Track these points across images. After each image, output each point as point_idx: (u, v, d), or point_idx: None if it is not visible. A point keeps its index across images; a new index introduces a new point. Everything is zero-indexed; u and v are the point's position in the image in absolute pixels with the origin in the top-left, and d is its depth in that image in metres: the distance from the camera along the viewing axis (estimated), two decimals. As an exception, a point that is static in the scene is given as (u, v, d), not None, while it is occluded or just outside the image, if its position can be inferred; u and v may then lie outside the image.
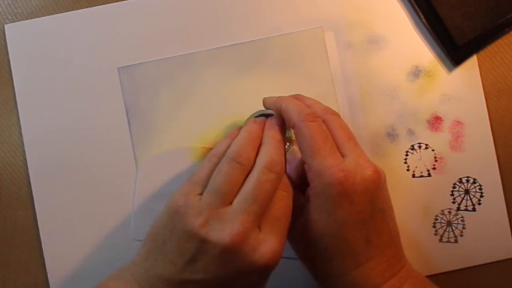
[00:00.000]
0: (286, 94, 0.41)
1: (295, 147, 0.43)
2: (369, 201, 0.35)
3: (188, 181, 0.36)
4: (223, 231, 0.32)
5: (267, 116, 0.40)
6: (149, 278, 0.34)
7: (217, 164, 0.36)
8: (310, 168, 0.36)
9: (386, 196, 0.37)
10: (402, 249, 0.38)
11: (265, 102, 0.41)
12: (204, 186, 0.35)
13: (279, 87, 0.45)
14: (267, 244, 0.33)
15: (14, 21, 0.45)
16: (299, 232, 0.37)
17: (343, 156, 0.36)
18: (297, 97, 0.40)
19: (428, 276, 0.42)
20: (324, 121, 0.37)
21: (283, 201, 0.35)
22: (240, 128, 0.39)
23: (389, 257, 0.36)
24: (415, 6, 0.45)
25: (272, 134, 0.37)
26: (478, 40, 0.44)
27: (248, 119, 0.42)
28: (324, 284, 0.38)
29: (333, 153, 0.35)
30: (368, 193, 0.35)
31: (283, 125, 0.38)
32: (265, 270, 0.33)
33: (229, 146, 0.36)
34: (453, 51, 0.45)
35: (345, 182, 0.34)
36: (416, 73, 0.46)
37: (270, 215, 0.34)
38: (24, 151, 0.44)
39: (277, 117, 0.39)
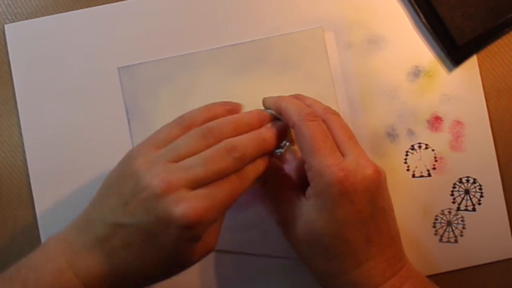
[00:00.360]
0: (286, 94, 0.41)
1: (295, 147, 0.43)
2: (369, 200, 0.35)
3: (152, 137, 0.36)
4: (157, 176, 0.32)
5: None
6: (87, 222, 0.35)
7: (185, 129, 0.36)
8: (310, 168, 0.36)
9: (387, 195, 0.38)
10: (403, 249, 0.38)
11: (265, 102, 0.41)
12: (163, 145, 0.35)
13: (279, 87, 0.45)
14: (192, 203, 0.32)
15: (14, 21, 0.45)
16: (299, 232, 0.37)
17: (343, 155, 0.36)
18: (297, 96, 0.40)
19: (428, 276, 0.42)
20: (324, 121, 0.37)
21: (231, 184, 0.34)
22: (222, 102, 0.39)
23: (390, 256, 0.36)
24: (415, 6, 0.45)
25: (262, 131, 0.37)
26: (478, 40, 0.44)
27: None
28: (325, 283, 0.38)
29: (333, 152, 0.36)
30: (369, 192, 0.35)
31: (282, 132, 0.38)
32: (184, 226, 0.32)
33: (205, 117, 0.37)
34: (453, 51, 0.45)
35: (345, 181, 0.34)
36: (416, 73, 0.46)
37: (210, 186, 0.33)
38: (24, 151, 0.44)
39: (281, 123, 0.38)
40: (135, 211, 0.32)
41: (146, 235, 0.33)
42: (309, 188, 0.36)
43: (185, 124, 0.36)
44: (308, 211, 0.36)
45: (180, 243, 0.33)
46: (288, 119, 0.37)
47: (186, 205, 0.31)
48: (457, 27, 0.44)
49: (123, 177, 0.34)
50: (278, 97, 0.39)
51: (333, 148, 0.36)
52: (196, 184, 0.33)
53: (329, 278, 0.37)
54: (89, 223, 0.35)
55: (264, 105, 0.41)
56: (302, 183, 0.39)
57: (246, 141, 0.35)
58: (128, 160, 0.35)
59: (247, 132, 0.36)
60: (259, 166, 0.36)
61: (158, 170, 0.32)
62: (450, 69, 0.46)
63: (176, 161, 0.33)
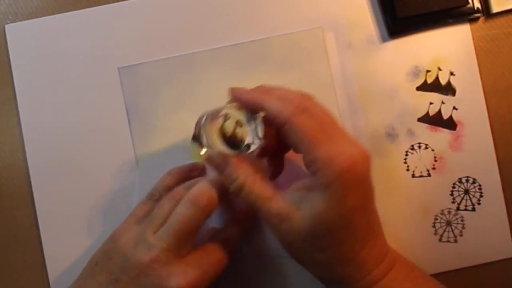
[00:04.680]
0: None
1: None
2: (369, 184, 0.35)
3: (130, 216, 0.40)
4: (144, 253, 0.35)
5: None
6: None
7: (157, 200, 0.39)
8: (315, 160, 0.34)
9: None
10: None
11: (236, 95, 0.38)
12: (140, 221, 0.39)
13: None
14: (186, 274, 0.35)
15: (14, 21, 0.45)
16: (302, 227, 0.35)
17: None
18: (260, 89, 0.38)
19: (428, 276, 0.42)
20: (306, 109, 0.36)
21: (221, 251, 0.38)
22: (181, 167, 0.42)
23: (382, 234, 0.37)
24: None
25: (213, 174, 0.38)
26: (418, 19, 0.45)
27: (201, 117, 0.39)
28: (324, 275, 0.37)
29: (336, 141, 0.35)
30: (368, 175, 0.35)
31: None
32: None
33: (170, 184, 0.41)
34: (392, 22, 0.45)
35: (355, 169, 0.34)
36: (416, 73, 0.46)
37: (201, 252, 0.37)
38: (24, 151, 0.44)
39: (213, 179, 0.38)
40: (127, 287, 0.35)
41: None
42: (311, 180, 0.35)
43: (155, 198, 0.40)
44: (314, 204, 0.35)
45: None
46: (274, 118, 0.35)
47: (180, 279, 0.34)
48: (402, 1, 0.45)
49: (109, 255, 0.36)
50: (254, 94, 0.37)
51: (332, 137, 0.35)
52: (181, 250, 0.36)
53: (336, 264, 0.36)
54: None
55: (234, 96, 0.38)
56: (288, 181, 0.38)
57: (205, 186, 0.37)
58: (112, 240, 0.37)
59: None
60: (237, 233, 0.41)
61: (143, 247, 0.35)
62: (384, 40, 0.46)
63: (155, 231, 0.36)
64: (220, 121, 0.37)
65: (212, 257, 0.37)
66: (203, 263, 0.36)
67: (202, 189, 0.37)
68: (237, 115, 0.37)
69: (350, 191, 0.34)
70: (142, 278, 0.34)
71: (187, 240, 0.36)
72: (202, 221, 0.36)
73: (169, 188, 0.40)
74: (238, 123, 0.38)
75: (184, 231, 0.36)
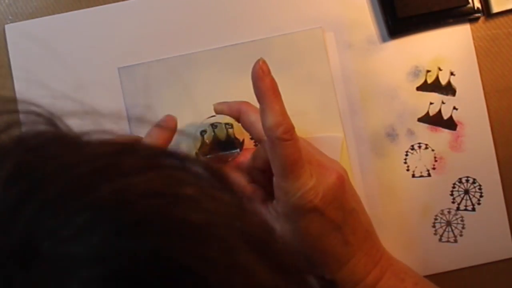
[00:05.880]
0: (286, 94, 0.41)
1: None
2: (339, 207, 0.35)
3: None
4: None
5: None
6: None
7: None
8: (280, 187, 0.35)
9: (353, 193, 0.37)
10: (378, 238, 0.39)
11: (219, 109, 0.39)
12: None
13: (279, 87, 0.45)
14: None
15: (14, 21, 0.45)
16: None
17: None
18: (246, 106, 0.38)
19: (427, 276, 0.42)
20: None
21: None
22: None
23: (368, 249, 0.37)
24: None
25: None
26: (419, 19, 0.45)
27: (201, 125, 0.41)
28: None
29: (303, 173, 0.34)
30: (337, 200, 0.35)
31: None
32: None
33: None
34: (392, 22, 0.45)
35: (314, 200, 0.34)
36: (416, 73, 0.46)
37: None
38: (24, 151, 0.44)
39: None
40: None
41: None
42: (277, 204, 0.36)
43: None
44: (281, 225, 0.36)
45: None
46: (259, 133, 0.36)
47: None
48: (402, 1, 0.44)
49: None
50: (266, 82, 0.36)
51: (304, 167, 0.35)
52: None
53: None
54: None
55: (217, 111, 0.39)
56: (268, 189, 0.38)
57: None
58: None
59: None
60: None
61: None
62: (384, 40, 0.46)
63: None
64: (208, 133, 0.41)
65: None
66: None
67: None
68: (224, 119, 0.40)
69: (312, 220, 0.35)
70: None
71: None
72: None
73: None
74: (227, 126, 0.41)
75: None
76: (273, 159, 0.35)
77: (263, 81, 0.35)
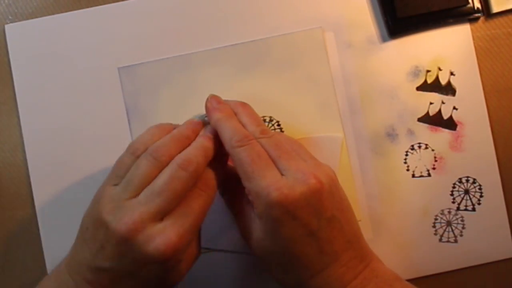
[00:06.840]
0: (286, 94, 0.41)
1: None
2: (313, 214, 0.35)
3: (110, 174, 0.37)
4: (121, 220, 0.33)
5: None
6: (75, 264, 0.36)
7: (137, 157, 0.36)
8: (249, 192, 0.35)
9: (336, 201, 0.36)
10: (365, 247, 0.38)
11: (206, 109, 0.39)
12: (122, 177, 0.36)
13: (279, 87, 0.45)
14: (164, 235, 0.33)
15: (14, 21, 0.45)
16: (254, 246, 0.37)
17: (282, 173, 0.35)
18: (235, 109, 0.39)
19: (427, 276, 0.42)
20: (259, 142, 0.37)
21: (197, 199, 0.35)
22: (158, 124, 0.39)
23: (347, 260, 0.36)
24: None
25: (201, 140, 0.37)
26: (419, 19, 0.45)
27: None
28: None
29: (268, 172, 0.35)
30: (310, 206, 0.34)
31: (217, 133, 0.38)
32: (162, 261, 0.33)
33: (149, 139, 0.37)
34: (392, 22, 0.45)
35: (283, 201, 0.34)
36: (416, 73, 0.46)
37: (177, 210, 0.34)
38: (24, 151, 0.44)
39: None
40: (112, 255, 0.34)
41: (129, 274, 0.34)
42: (254, 208, 0.36)
43: (138, 154, 0.36)
44: (257, 229, 0.36)
45: (164, 272, 0.34)
46: (223, 143, 0.37)
47: (158, 242, 0.33)
48: (402, 1, 0.45)
49: (94, 223, 0.35)
50: (215, 114, 0.38)
51: (268, 168, 0.35)
52: (161, 214, 0.34)
53: None
54: (77, 265, 0.36)
55: (206, 106, 0.39)
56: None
57: (194, 152, 0.35)
58: (96, 204, 0.35)
59: (188, 145, 0.36)
60: (217, 169, 0.37)
61: (121, 214, 0.33)
62: (384, 40, 0.46)
63: (135, 196, 0.34)
64: None
65: (193, 207, 0.35)
66: (183, 218, 0.34)
67: (194, 156, 0.35)
68: None
69: (282, 223, 0.34)
70: (123, 246, 0.33)
71: (172, 205, 0.34)
72: (190, 186, 0.35)
73: (146, 146, 0.37)
74: None
75: (169, 195, 0.34)
76: (237, 168, 0.36)
77: (213, 114, 0.38)
